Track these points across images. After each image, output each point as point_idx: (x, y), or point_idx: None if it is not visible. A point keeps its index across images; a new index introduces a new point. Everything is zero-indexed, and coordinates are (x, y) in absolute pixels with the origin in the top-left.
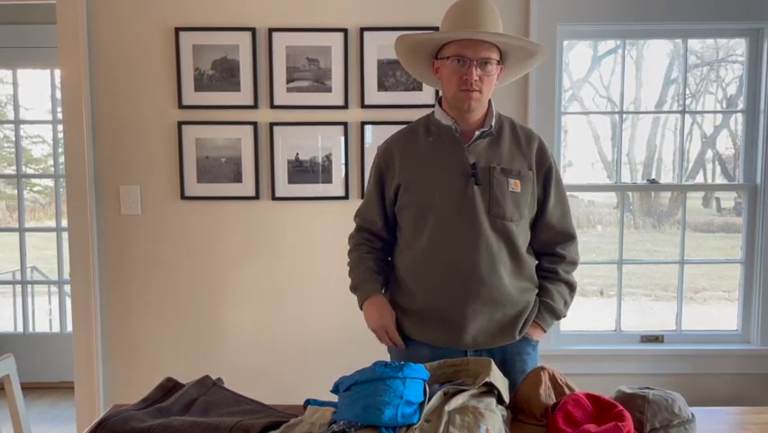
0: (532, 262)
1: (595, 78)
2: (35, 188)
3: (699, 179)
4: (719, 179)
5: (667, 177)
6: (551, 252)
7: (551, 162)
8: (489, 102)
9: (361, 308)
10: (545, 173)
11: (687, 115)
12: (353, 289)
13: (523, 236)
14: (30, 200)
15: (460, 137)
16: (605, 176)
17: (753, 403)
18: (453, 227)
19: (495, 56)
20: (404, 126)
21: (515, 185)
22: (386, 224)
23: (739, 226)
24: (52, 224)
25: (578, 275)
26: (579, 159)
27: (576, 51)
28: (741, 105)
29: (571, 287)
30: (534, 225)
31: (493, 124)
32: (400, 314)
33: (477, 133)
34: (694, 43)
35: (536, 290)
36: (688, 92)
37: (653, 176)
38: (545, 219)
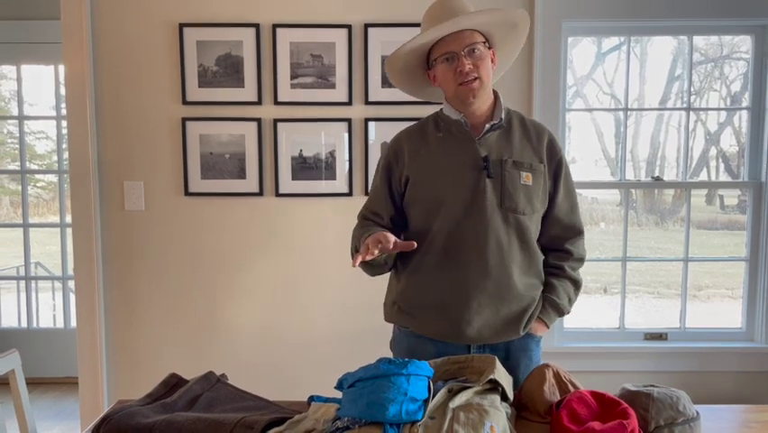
0: (540, 258)
1: (599, 75)
2: (39, 184)
3: (703, 176)
4: (723, 177)
5: (670, 174)
6: (559, 247)
7: (561, 156)
8: (497, 95)
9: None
10: (556, 166)
11: (691, 113)
12: (354, 250)
13: (534, 231)
14: (33, 196)
15: (470, 131)
16: (608, 173)
17: (757, 401)
18: (465, 220)
19: (479, 39)
20: (412, 123)
21: (526, 178)
22: (391, 220)
23: (742, 224)
24: (56, 219)
25: (581, 272)
26: (582, 156)
27: (580, 48)
28: (745, 103)
29: (577, 284)
30: (543, 220)
31: (503, 116)
32: (405, 311)
33: (487, 126)
34: (698, 40)
35: (542, 287)
36: (692, 89)
37: (657, 173)
38: (554, 213)
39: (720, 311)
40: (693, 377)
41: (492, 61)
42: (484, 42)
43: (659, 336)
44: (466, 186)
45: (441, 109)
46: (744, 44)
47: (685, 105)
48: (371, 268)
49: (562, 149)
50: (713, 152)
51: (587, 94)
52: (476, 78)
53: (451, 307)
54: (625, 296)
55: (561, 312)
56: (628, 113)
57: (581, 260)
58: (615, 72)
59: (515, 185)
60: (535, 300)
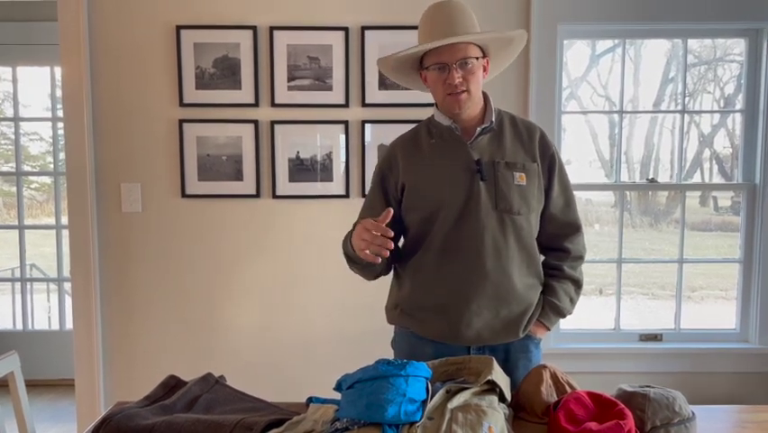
0: (539, 258)
1: (593, 77)
2: (32, 186)
3: (697, 177)
4: (716, 178)
5: (664, 176)
6: (557, 246)
7: (554, 152)
8: (487, 98)
9: (351, 241)
10: (549, 163)
11: (685, 115)
12: (345, 249)
13: (532, 230)
14: (27, 197)
15: (461, 135)
16: (602, 175)
17: (751, 401)
18: (461, 224)
19: (474, 53)
20: (407, 131)
21: (520, 178)
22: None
23: (736, 225)
24: (49, 221)
25: (582, 269)
26: (577, 157)
27: (574, 50)
28: (739, 105)
29: (578, 284)
30: (540, 218)
31: (493, 119)
32: (407, 312)
33: (478, 129)
34: (692, 43)
35: (541, 288)
36: (686, 91)
37: (651, 175)
38: (549, 209)
39: (714, 312)
40: (688, 378)
41: (485, 70)
42: (478, 57)
43: (654, 337)
44: (461, 190)
45: (432, 116)
46: (737, 46)
47: (679, 107)
48: (362, 269)
49: (556, 148)
50: (707, 153)
51: (581, 96)
52: (464, 91)
53: (450, 308)
54: (620, 297)
55: (561, 314)
56: (623, 115)
57: (581, 258)
58: (609, 74)
59: (509, 186)
60: (535, 302)
